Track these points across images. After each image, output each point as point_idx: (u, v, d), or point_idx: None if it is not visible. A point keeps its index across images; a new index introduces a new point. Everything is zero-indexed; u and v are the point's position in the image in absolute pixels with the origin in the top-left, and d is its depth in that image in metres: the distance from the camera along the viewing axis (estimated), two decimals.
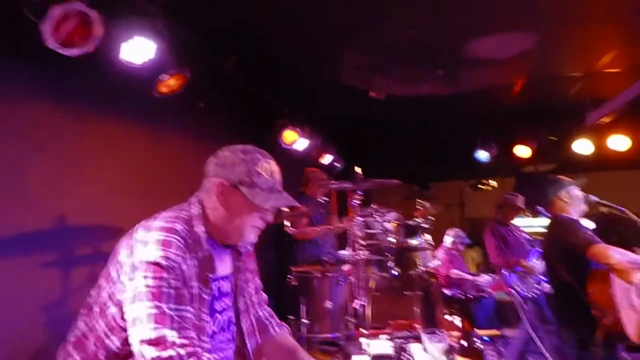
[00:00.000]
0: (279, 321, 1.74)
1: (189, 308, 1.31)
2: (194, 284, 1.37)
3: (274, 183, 1.50)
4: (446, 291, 4.96)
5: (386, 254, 3.73)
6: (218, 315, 1.51)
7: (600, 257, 2.78)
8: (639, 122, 4.95)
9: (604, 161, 5.57)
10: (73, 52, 2.33)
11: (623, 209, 3.15)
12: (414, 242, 3.98)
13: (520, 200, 4.75)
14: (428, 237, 4.11)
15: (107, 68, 2.72)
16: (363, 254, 3.34)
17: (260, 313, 1.71)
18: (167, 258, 1.29)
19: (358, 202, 3.36)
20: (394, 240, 3.74)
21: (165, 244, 1.31)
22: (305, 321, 3.35)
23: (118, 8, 2.60)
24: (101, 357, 1.37)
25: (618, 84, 4.51)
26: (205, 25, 3.42)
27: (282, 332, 1.71)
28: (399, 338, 2.33)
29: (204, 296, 1.41)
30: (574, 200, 3.14)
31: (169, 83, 3.08)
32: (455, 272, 5.28)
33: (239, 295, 1.61)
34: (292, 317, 3.39)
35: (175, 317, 1.26)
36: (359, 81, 4.60)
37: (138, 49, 2.73)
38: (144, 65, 2.80)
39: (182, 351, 1.22)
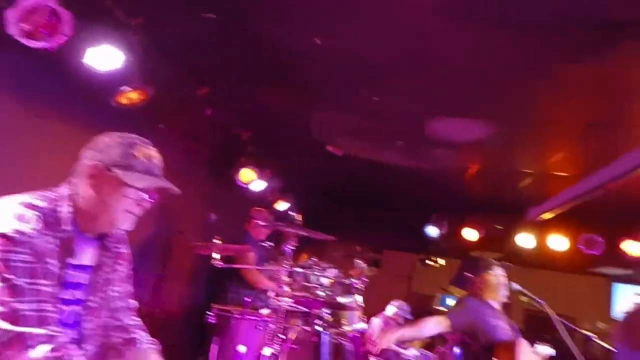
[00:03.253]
0: (150, 338, 1.66)
1: (43, 282, 1.29)
2: (51, 261, 1.33)
3: (151, 166, 1.47)
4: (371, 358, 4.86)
5: (314, 308, 3.69)
6: (62, 305, 1.41)
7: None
8: (578, 226, 5.20)
9: (545, 259, 5.76)
10: (35, 44, 2.39)
11: (542, 301, 3.26)
12: (343, 300, 3.95)
13: None
14: (359, 298, 4.09)
15: (71, 69, 2.77)
16: (286, 302, 3.29)
17: (128, 321, 1.64)
18: (18, 231, 1.27)
19: (292, 248, 3.37)
20: (323, 295, 3.72)
21: (20, 218, 1.29)
22: None
23: (93, 13, 2.69)
24: None
25: (563, 186, 4.78)
26: (183, 51, 3.54)
27: (150, 351, 1.62)
28: None
29: (63, 276, 1.37)
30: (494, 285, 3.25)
31: (130, 96, 3.13)
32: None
33: (91, 291, 1.50)
34: (201, 358, 3.27)
35: (28, 290, 1.24)
36: (322, 136, 4.75)
37: (105, 57, 2.80)
38: (108, 73, 2.86)
39: (36, 331, 1.21)
